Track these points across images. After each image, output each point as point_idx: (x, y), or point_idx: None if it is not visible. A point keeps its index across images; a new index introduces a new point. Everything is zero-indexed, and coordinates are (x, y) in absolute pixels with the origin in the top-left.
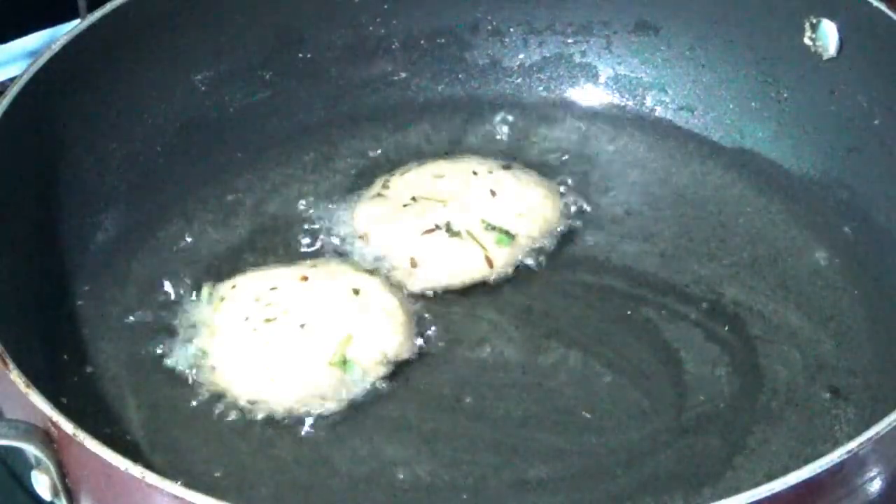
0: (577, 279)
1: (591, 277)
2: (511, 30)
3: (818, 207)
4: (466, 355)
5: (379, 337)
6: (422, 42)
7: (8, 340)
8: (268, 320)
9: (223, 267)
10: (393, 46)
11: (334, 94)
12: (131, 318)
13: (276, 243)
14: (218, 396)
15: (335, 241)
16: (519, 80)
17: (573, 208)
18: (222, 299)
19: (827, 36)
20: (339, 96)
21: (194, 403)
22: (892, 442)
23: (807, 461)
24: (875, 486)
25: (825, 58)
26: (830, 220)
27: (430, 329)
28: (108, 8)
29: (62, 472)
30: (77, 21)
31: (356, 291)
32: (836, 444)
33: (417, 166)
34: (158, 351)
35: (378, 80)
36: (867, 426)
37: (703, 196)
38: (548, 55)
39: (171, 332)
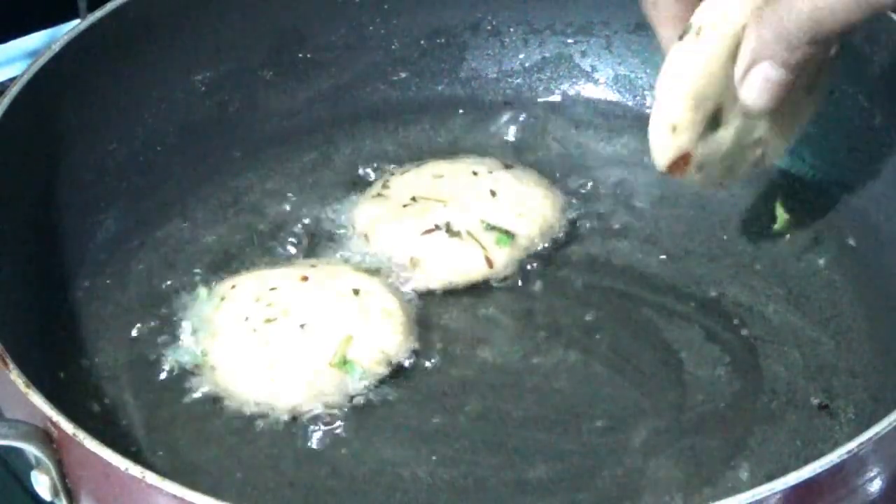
0: (577, 279)
1: (591, 277)
2: (511, 30)
3: (818, 207)
4: (466, 355)
5: (379, 337)
6: (422, 42)
7: (8, 340)
8: (268, 320)
9: (223, 267)
10: (393, 46)
11: (334, 94)
12: (131, 317)
13: (276, 243)
14: (218, 396)
15: (335, 241)
16: (519, 80)
17: (573, 208)
18: (222, 299)
19: None
20: (339, 96)
21: (194, 403)
22: (892, 442)
23: (807, 461)
24: (875, 486)
25: None
26: (830, 220)
27: (430, 329)
28: (108, 8)
29: (62, 472)
30: (77, 21)
31: (356, 291)
32: (836, 444)
33: (417, 166)
34: (158, 350)
35: (378, 80)
36: (867, 426)
37: (703, 196)
38: (548, 55)
39: (171, 332)
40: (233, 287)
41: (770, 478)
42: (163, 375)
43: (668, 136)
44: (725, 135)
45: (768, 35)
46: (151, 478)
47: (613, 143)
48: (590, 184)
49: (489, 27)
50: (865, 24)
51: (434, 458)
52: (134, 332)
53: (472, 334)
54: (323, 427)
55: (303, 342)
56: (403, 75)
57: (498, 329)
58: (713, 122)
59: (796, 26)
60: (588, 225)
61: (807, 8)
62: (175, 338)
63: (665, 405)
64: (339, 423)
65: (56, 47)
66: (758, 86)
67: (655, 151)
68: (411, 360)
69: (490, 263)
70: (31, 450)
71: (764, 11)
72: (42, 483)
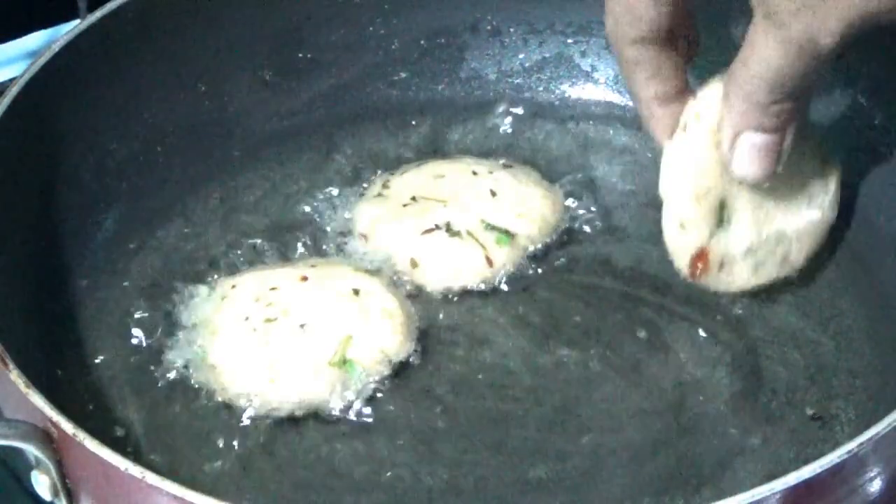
0: (577, 279)
1: (591, 277)
2: (511, 30)
3: None
4: (466, 355)
5: (379, 337)
6: (422, 42)
7: (8, 340)
8: (268, 320)
9: (223, 267)
10: (393, 46)
11: (334, 94)
12: (131, 317)
13: (276, 243)
14: (218, 396)
15: (335, 241)
16: (519, 80)
17: (573, 208)
18: (222, 299)
19: None
20: (339, 96)
21: (194, 403)
22: (892, 442)
23: (807, 461)
24: (875, 486)
25: None
26: None
27: (430, 329)
28: (108, 8)
29: (62, 472)
30: (77, 21)
31: (356, 291)
32: (836, 444)
33: (417, 166)
34: (159, 350)
35: (378, 80)
36: (867, 426)
37: None
38: (548, 55)
39: (171, 332)
40: (233, 287)
41: (770, 478)
42: (163, 375)
43: (679, 235)
44: (739, 229)
45: (738, 105)
46: (151, 478)
47: (613, 143)
48: (590, 184)
49: (489, 27)
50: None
51: (434, 458)
52: (134, 332)
53: (472, 334)
54: (323, 427)
55: (303, 342)
56: (403, 75)
57: (498, 329)
58: (722, 216)
59: (759, 90)
60: (588, 225)
61: (760, 72)
62: (175, 337)
63: (665, 405)
64: (339, 422)
65: (56, 47)
66: (747, 156)
67: (674, 255)
68: (411, 360)
69: (490, 263)
70: (31, 450)
71: (728, 85)
72: (42, 483)
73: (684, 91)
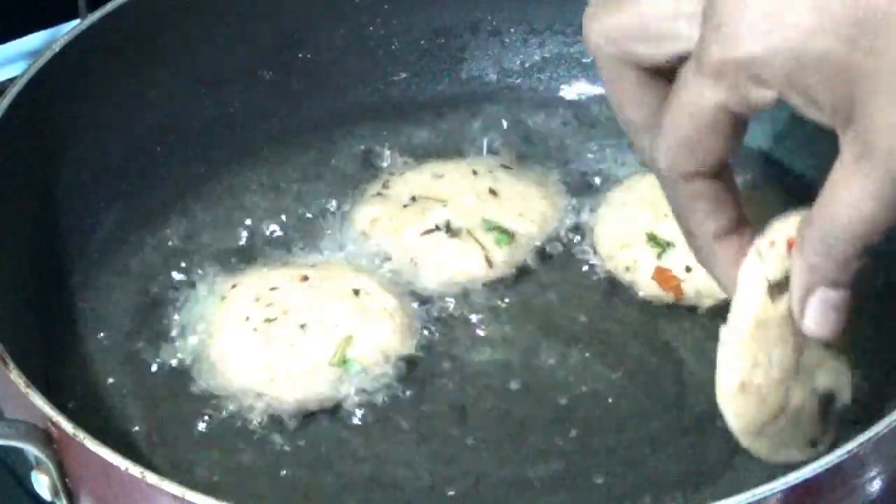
0: (577, 279)
1: (591, 277)
2: (511, 30)
3: None
4: (466, 355)
5: (379, 337)
6: (422, 42)
7: (8, 340)
8: (268, 320)
9: (223, 266)
10: (393, 46)
11: (334, 94)
12: (131, 317)
13: (277, 243)
14: (218, 396)
15: (335, 241)
16: (519, 80)
17: (573, 208)
18: (223, 299)
19: None
20: (339, 96)
21: (194, 403)
22: (892, 442)
23: (807, 461)
24: (875, 486)
25: None
26: None
27: (429, 329)
28: (108, 8)
29: (62, 472)
30: (77, 21)
31: (356, 291)
32: (837, 444)
33: (417, 166)
34: (159, 350)
35: (378, 80)
36: (867, 426)
37: None
38: (548, 55)
39: (171, 332)
40: (233, 286)
41: (770, 478)
42: (163, 375)
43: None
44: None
45: (815, 258)
46: (151, 478)
47: (614, 143)
48: (590, 183)
49: (489, 27)
50: None
51: (434, 458)
52: (134, 332)
53: (471, 334)
54: (323, 427)
55: (303, 342)
56: (403, 75)
57: (498, 329)
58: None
59: (843, 243)
60: (587, 224)
61: (845, 223)
62: (175, 337)
63: (665, 405)
64: (339, 422)
65: (56, 47)
66: (820, 314)
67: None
68: (411, 360)
69: (490, 263)
70: (31, 450)
71: (804, 232)
72: (42, 483)
73: (742, 221)
